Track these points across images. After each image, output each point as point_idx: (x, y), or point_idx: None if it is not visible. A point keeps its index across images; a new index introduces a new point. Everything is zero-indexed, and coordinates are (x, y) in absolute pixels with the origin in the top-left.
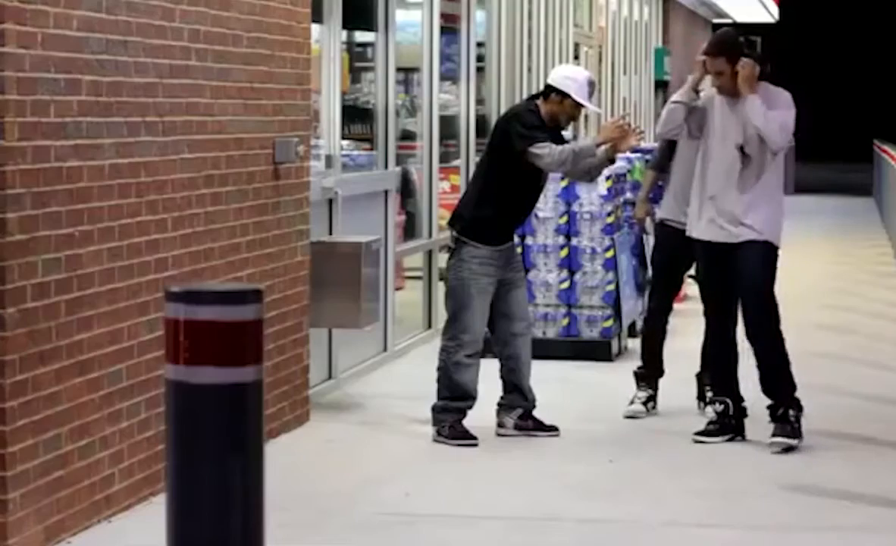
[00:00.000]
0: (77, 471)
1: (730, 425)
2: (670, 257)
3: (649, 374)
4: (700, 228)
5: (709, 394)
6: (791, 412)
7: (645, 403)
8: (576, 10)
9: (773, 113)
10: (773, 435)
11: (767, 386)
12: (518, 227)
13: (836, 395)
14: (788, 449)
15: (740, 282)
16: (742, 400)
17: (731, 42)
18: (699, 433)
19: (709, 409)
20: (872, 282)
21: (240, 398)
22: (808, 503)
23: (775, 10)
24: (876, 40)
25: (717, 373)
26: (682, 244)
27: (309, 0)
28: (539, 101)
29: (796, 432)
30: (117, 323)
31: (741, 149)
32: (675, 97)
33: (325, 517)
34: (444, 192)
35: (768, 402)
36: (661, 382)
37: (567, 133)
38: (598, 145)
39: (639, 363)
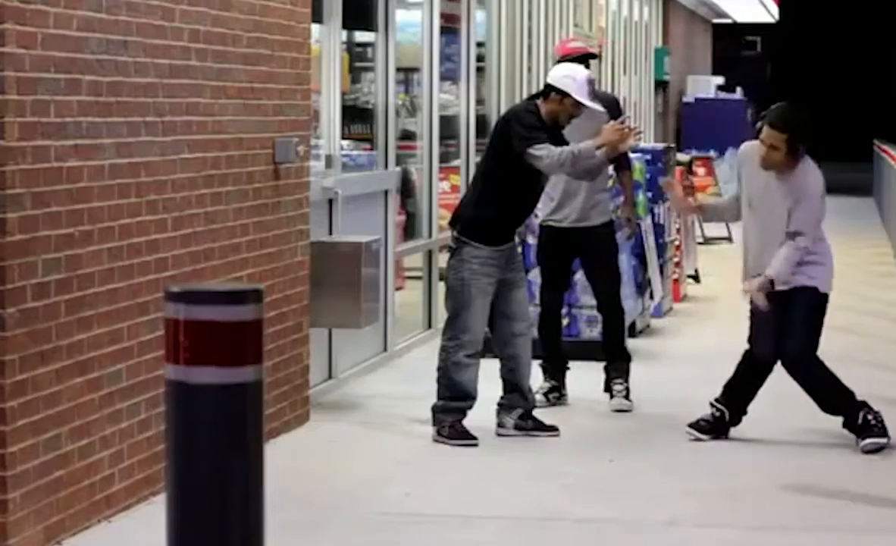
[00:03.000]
0: (77, 471)
1: (722, 430)
2: (555, 254)
3: (552, 367)
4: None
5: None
6: (868, 417)
7: (546, 394)
8: (576, 10)
9: (791, 244)
10: (863, 437)
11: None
12: (518, 228)
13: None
14: (879, 448)
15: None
16: (744, 413)
17: (798, 121)
18: (691, 425)
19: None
20: (872, 282)
21: (240, 398)
22: (808, 503)
23: (775, 10)
24: (876, 40)
25: (740, 386)
26: (563, 240)
27: (309, 0)
28: (539, 101)
29: (882, 431)
30: (117, 323)
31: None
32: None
33: (325, 517)
34: (444, 192)
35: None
36: (662, 382)
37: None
38: (598, 147)
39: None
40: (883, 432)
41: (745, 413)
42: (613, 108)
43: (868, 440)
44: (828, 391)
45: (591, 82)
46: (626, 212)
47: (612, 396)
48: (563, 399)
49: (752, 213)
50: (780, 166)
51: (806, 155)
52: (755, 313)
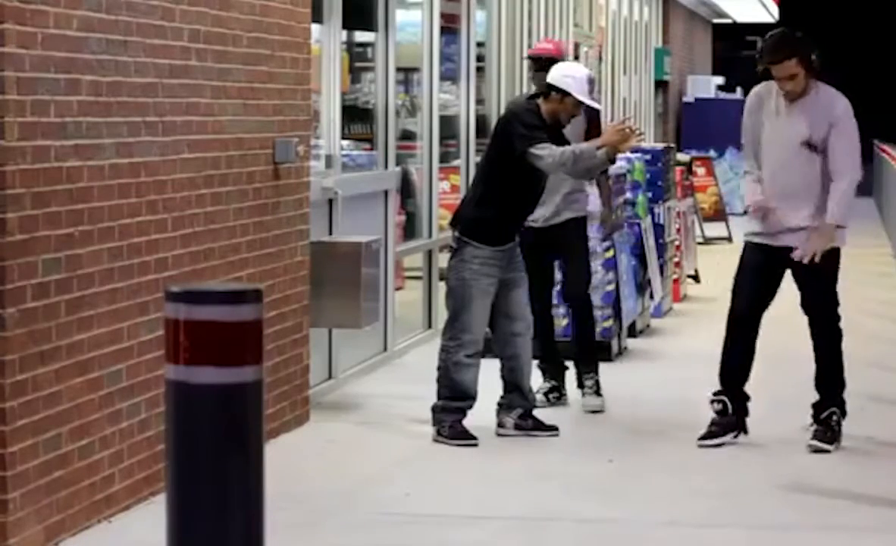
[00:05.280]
0: (77, 471)
1: (731, 424)
2: (533, 254)
3: (551, 367)
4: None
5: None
6: (834, 417)
7: (546, 394)
8: (576, 10)
9: (840, 183)
10: (813, 437)
11: (819, 384)
12: (520, 228)
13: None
14: (821, 451)
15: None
16: (747, 398)
17: (795, 39)
18: (702, 438)
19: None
20: (872, 282)
21: (240, 398)
22: (808, 503)
23: (775, 10)
24: (876, 41)
25: (730, 368)
26: (539, 239)
27: (309, 0)
28: (539, 101)
29: (836, 437)
30: (117, 323)
31: (808, 144)
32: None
33: (325, 517)
34: (444, 192)
35: (815, 400)
36: (662, 382)
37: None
38: (599, 147)
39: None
40: (833, 440)
41: (748, 397)
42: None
43: (817, 442)
44: (835, 367)
45: (591, 81)
46: (602, 215)
47: (584, 393)
48: (563, 399)
49: (774, 151)
50: (803, 90)
51: (816, 82)
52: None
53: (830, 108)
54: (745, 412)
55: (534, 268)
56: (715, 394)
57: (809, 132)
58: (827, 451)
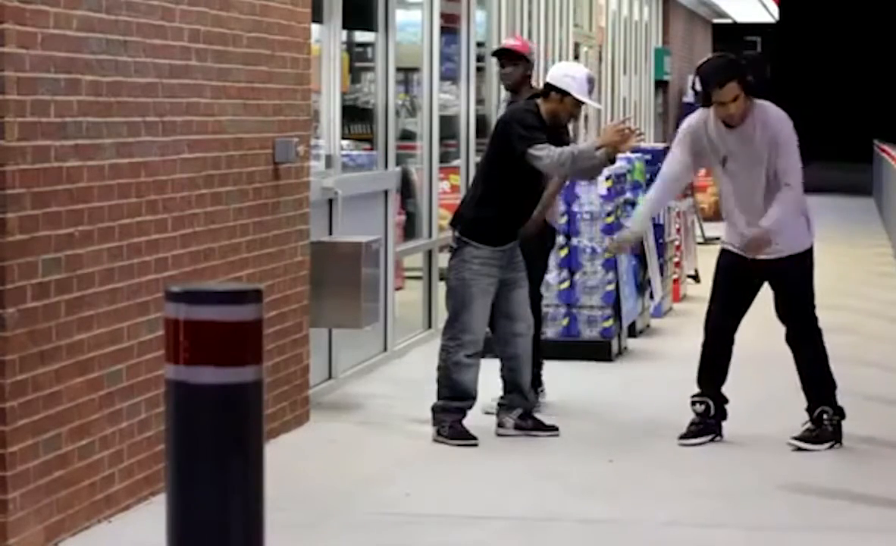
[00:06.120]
0: (77, 471)
1: (711, 426)
2: None
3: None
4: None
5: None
6: (825, 416)
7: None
8: (576, 10)
9: (786, 194)
10: (797, 436)
11: (805, 388)
12: (520, 227)
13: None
14: (802, 449)
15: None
16: (726, 401)
17: (733, 61)
18: (683, 436)
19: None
20: (872, 282)
21: (240, 398)
22: (808, 503)
23: (775, 10)
24: (876, 40)
25: (708, 372)
26: None
27: (309, 0)
28: (539, 101)
29: (827, 436)
30: (117, 323)
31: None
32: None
33: (325, 517)
34: (444, 192)
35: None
36: (662, 383)
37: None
38: (598, 148)
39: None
40: (822, 440)
41: (726, 400)
42: None
43: (803, 443)
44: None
45: (591, 80)
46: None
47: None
48: (542, 393)
49: (731, 176)
50: (742, 112)
51: (759, 101)
52: (726, 276)
53: (776, 129)
54: (724, 415)
55: None
56: (696, 396)
57: (766, 158)
58: (808, 451)
